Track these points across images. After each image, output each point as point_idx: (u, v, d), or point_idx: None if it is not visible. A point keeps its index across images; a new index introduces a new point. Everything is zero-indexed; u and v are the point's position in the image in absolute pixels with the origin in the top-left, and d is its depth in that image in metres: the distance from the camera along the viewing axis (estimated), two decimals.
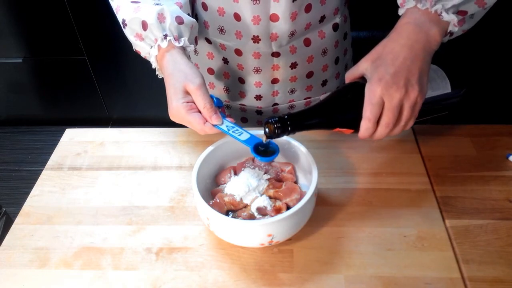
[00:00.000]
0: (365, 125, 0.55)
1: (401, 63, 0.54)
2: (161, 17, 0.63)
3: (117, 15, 0.68)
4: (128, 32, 0.67)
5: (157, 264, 0.58)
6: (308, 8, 0.71)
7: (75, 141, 0.78)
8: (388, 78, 0.53)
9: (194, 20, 0.68)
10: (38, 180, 0.71)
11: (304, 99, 0.85)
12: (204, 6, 0.74)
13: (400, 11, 0.59)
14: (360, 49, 0.97)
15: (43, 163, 0.74)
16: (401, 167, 0.69)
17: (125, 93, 1.95)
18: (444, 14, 0.55)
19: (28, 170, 1.93)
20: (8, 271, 0.58)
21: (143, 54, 0.68)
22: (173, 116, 0.61)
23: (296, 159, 0.64)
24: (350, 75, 0.58)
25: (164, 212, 0.65)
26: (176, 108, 0.60)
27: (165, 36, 0.63)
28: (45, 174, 0.72)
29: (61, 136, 0.80)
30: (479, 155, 0.71)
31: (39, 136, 2.09)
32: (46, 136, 2.08)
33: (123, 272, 0.57)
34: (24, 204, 0.67)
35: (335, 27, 0.77)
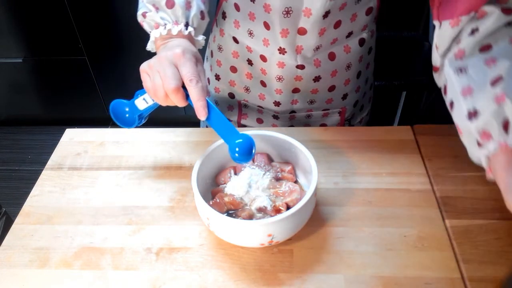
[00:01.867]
0: None
1: None
2: (187, 4, 0.61)
3: None
4: None
5: (157, 264, 0.58)
6: (337, 25, 0.69)
7: (75, 141, 0.78)
8: None
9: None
10: (38, 180, 0.71)
11: (322, 110, 0.84)
12: (237, 7, 0.72)
13: (483, 154, 0.50)
14: None
15: (43, 163, 0.74)
16: (401, 167, 0.69)
17: (125, 93, 1.94)
18: None
19: (28, 170, 1.93)
20: (8, 271, 0.58)
21: (149, 24, 0.62)
22: (163, 58, 0.54)
23: (296, 159, 0.64)
24: None
25: (164, 212, 0.65)
26: (181, 52, 0.53)
27: (187, 24, 0.60)
28: (45, 174, 0.72)
29: (61, 136, 0.80)
30: None
31: (39, 136, 2.09)
32: (46, 136, 2.08)
33: (123, 272, 0.57)
34: (24, 204, 0.67)
35: (361, 42, 0.75)
